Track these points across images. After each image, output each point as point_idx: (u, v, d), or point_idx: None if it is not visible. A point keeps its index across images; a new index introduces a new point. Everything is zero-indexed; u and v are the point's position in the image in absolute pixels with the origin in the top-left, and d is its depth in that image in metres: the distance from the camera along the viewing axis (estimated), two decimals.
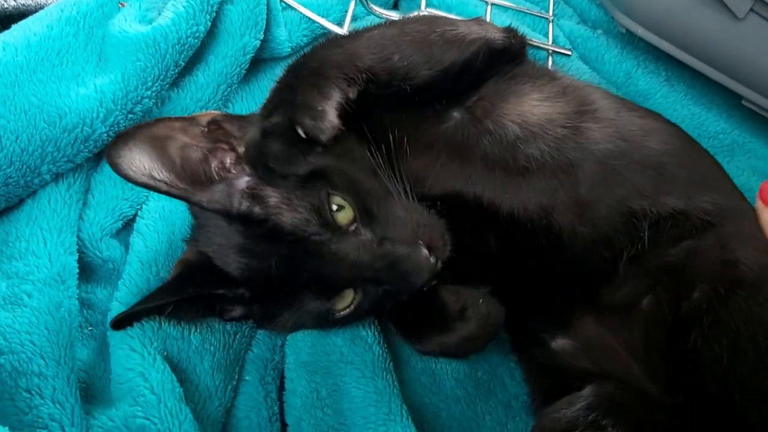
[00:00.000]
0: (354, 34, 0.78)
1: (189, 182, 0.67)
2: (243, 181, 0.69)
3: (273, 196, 0.67)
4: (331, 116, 0.64)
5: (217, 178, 0.69)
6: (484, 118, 0.76)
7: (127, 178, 0.64)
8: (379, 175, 0.71)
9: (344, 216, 0.68)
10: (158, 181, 0.64)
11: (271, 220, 0.67)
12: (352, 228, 0.68)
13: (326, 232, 0.67)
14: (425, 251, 0.67)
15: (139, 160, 0.64)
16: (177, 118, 0.69)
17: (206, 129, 0.70)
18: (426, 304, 0.77)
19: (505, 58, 0.80)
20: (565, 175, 0.74)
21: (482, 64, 0.77)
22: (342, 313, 0.73)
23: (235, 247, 0.69)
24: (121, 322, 0.72)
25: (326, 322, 0.73)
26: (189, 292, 0.72)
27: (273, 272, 0.68)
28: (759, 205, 0.78)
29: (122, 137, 0.64)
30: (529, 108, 0.77)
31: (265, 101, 0.77)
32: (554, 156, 0.74)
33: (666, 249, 0.73)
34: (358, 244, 0.68)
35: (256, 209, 0.67)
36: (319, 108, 0.64)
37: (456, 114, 0.77)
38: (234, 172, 0.69)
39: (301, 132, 0.64)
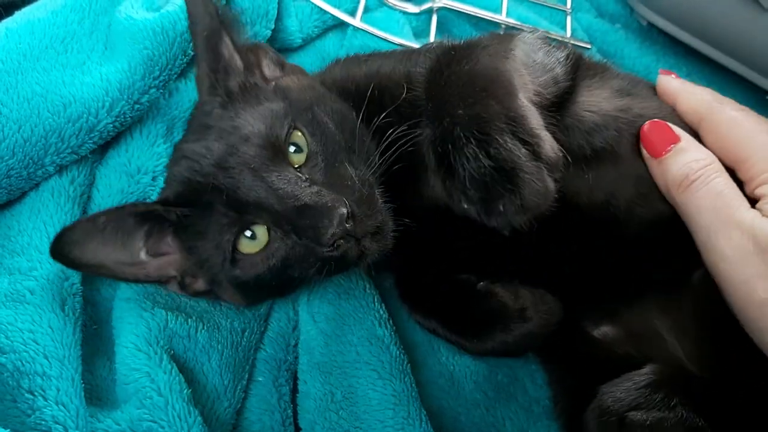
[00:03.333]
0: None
1: None
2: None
3: (255, 107, 0.72)
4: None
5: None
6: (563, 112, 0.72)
7: None
8: (354, 139, 0.72)
9: (296, 159, 0.70)
10: None
11: (237, 119, 0.71)
12: (295, 166, 0.69)
13: (268, 151, 0.68)
14: (343, 211, 0.63)
15: None
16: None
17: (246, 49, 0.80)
18: (481, 306, 0.75)
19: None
20: (631, 157, 0.72)
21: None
22: (249, 257, 0.69)
23: (195, 134, 0.74)
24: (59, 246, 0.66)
25: (231, 265, 0.70)
26: (130, 208, 0.71)
27: (204, 165, 0.69)
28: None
29: None
30: (601, 101, 0.74)
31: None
32: (624, 141, 0.72)
33: None
34: (288, 175, 0.67)
35: (237, 105, 0.72)
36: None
37: None
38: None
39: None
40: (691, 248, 0.69)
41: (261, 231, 0.68)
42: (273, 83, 0.78)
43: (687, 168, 0.68)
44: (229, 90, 0.75)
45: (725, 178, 0.68)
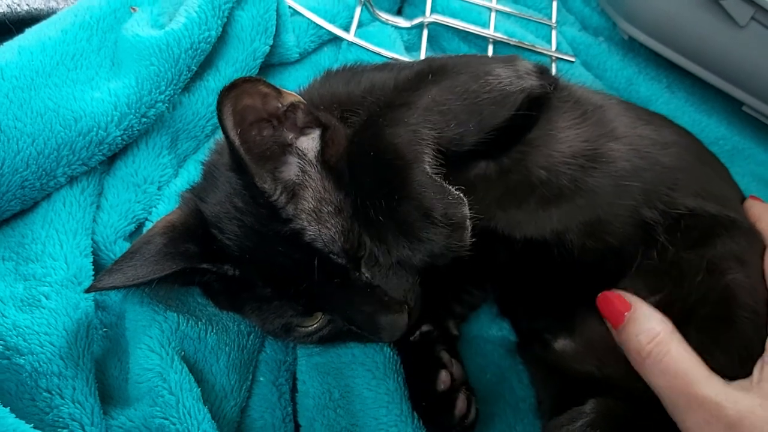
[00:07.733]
0: (410, 99, 0.69)
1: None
2: (293, 170, 0.69)
3: (310, 201, 0.68)
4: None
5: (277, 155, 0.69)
6: (511, 168, 0.76)
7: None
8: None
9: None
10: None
11: (295, 223, 0.67)
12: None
13: (344, 257, 0.68)
14: (406, 317, 0.70)
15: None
16: (267, 84, 0.67)
17: (284, 108, 0.69)
18: None
19: (540, 104, 0.78)
20: (584, 201, 0.74)
21: (521, 118, 0.74)
22: (304, 329, 0.75)
23: (246, 221, 0.68)
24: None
25: (285, 333, 0.75)
26: (174, 267, 0.69)
27: (276, 266, 0.68)
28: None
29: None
30: (555, 150, 0.76)
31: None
32: (573, 188, 0.74)
33: (674, 253, 0.74)
34: (364, 288, 0.69)
35: (289, 208, 0.67)
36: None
37: (483, 164, 0.76)
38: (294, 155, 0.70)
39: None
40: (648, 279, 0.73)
41: (320, 314, 0.74)
42: (314, 154, 0.71)
43: (637, 343, 0.66)
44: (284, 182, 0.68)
45: (678, 350, 0.65)
